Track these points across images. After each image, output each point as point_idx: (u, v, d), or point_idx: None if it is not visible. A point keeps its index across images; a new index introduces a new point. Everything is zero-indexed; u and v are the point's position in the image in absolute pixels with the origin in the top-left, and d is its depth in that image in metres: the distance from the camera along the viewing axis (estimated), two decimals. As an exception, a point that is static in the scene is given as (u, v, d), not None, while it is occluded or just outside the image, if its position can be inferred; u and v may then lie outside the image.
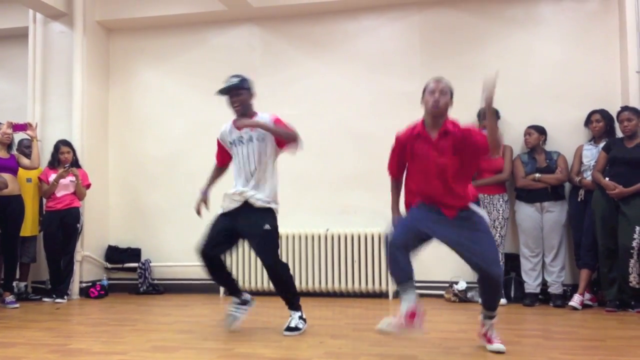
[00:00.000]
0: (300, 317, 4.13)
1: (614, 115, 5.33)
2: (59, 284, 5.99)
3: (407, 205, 3.59)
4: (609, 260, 5.05)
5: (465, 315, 4.90)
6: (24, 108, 6.64)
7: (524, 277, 5.51)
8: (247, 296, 4.33)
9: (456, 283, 5.73)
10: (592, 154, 5.38)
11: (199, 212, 4.29)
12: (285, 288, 4.13)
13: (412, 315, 3.25)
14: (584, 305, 5.18)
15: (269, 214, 4.05)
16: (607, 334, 4.03)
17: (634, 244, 4.87)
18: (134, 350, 3.61)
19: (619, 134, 5.28)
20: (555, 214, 5.44)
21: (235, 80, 4.07)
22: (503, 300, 5.48)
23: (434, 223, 3.41)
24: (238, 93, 4.07)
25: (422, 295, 5.92)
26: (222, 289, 6.16)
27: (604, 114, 5.42)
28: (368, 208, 6.14)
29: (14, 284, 5.89)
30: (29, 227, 6.04)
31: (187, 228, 6.50)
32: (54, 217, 5.98)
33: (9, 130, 5.75)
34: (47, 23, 6.64)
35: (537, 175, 5.47)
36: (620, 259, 4.94)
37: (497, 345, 3.45)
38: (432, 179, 3.41)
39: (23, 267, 6.14)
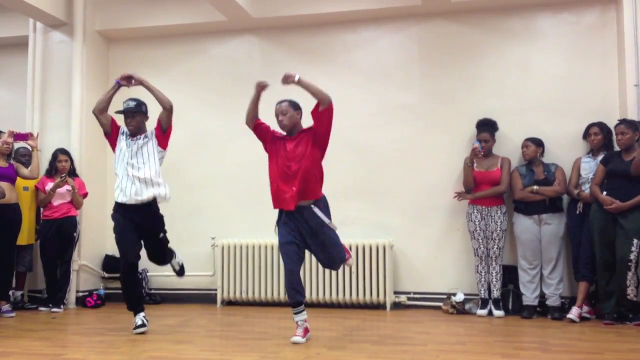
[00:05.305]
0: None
1: (612, 128, 5.35)
2: (55, 293, 5.97)
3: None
4: (606, 272, 5.05)
5: (462, 327, 4.88)
6: (22, 117, 6.63)
7: (522, 289, 5.50)
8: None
9: (454, 295, 5.71)
10: (590, 167, 5.38)
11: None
12: None
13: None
14: (582, 318, 5.18)
15: None
16: (604, 346, 4.02)
17: (632, 256, 4.87)
18: (130, 360, 3.60)
19: (617, 147, 5.30)
20: (553, 226, 5.44)
21: (132, 104, 4.74)
22: (500, 312, 5.48)
23: None
24: (133, 115, 4.74)
25: (420, 307, 5.96)
26: (219, 299, 6.15)
27: (602, 126, 5.43)
28: (366, 219, 6.14)
29: (10, 292, 5.87)
30: (25, 235, 6.00)
31: (184, 238, 6.50)
32: (51, 226, 5.97)
33: (10, 140, 5.73)
34: (47, 32, 6.65)
35: (535, 187, 5.47)
36: (618, 271, 4.93)
37: (295, 338, 4.09)
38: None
39: (19, 276, 6.12)
